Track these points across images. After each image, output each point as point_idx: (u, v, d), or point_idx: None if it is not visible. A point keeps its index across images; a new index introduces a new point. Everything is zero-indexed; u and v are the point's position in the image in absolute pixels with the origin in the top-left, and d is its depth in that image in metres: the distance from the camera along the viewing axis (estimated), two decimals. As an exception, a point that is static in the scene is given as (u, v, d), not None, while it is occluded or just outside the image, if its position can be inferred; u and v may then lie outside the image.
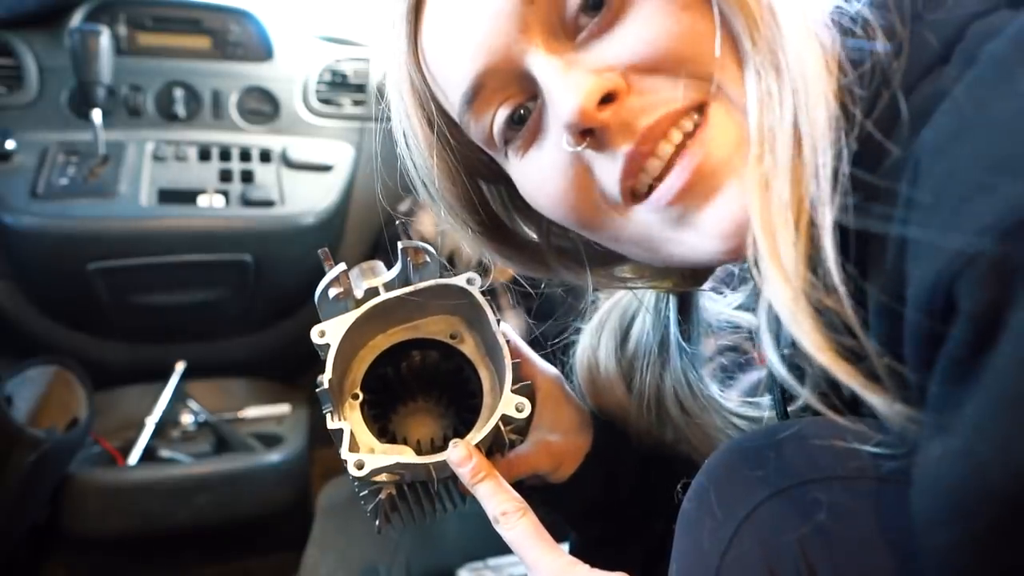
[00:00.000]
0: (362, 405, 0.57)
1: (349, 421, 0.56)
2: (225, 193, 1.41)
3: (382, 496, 0.55)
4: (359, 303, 0.58)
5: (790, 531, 0.40)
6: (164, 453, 1.39)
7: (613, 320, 0.70)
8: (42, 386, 1.22)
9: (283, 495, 1.39)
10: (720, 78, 0.43)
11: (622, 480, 0.65)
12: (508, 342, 0.56)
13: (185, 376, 1.47)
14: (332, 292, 0.57)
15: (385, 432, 0.59)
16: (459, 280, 0.58)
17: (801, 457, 0.42)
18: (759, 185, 0.41)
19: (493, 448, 0.58)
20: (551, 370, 0.66)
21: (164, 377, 1.45)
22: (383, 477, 0.54)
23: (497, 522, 0.52)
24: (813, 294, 0.40)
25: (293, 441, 1.44)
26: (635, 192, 0.48)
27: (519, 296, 1.47)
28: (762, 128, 0.42)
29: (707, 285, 0.63)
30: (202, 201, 1.39)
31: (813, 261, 0.40)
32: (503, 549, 0.63)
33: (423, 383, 0.62)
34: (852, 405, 0.51)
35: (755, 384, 0.65)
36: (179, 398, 1.46)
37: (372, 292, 0.58)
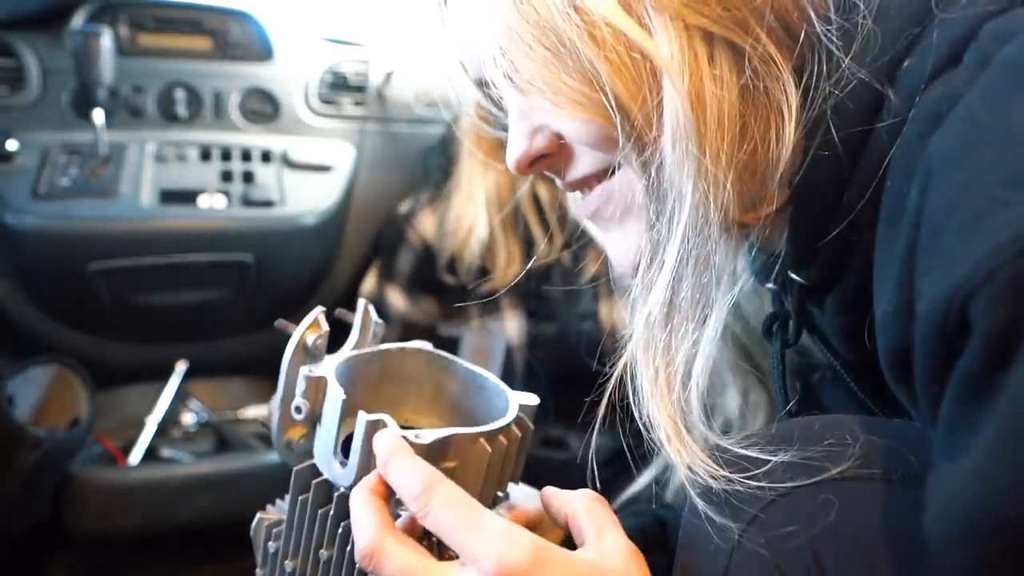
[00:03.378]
0: None
1: None
2: (226, 193, 1.41)
3: None
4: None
5: (800, 531, 0.39)
6: (165, 453, 1.39)
7: None
8: (43, 386, 1.22)
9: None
10: (625, 169, 0.48)
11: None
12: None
13: (186, 376, 1.47)
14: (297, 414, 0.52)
15: None
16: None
17: (811, 456, 0.42)
18: (645, 288, 0.46)
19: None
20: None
21: (165, 377, 1.46)
22: None
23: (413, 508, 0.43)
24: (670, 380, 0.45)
25: (294, 441, 1.44)
26: None
27: (519, 297, 1.46)
28: (652, 240, 0.46)
29: None
30: (203, 201, 1.39)
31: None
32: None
33: None
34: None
35: None
36: (180, 398, 1.46)
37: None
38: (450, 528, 0.41)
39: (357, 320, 0.56)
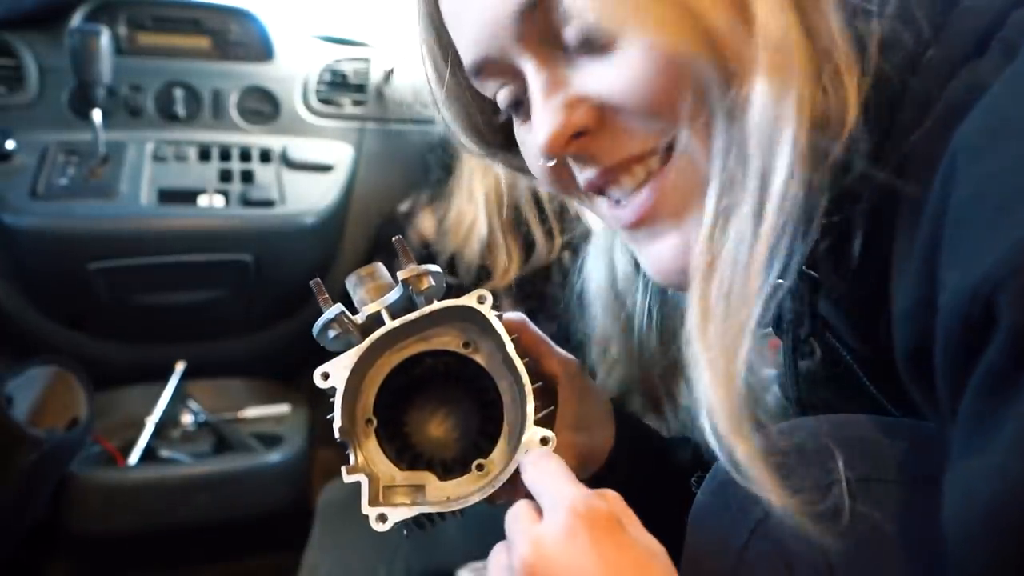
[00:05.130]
0: (376, 431, 0.55)
1: (365, 451, 0.54)
2: (225, 193, 1.41)
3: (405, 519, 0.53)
4: (361, 328, 0.55)
5: (810, 532, 0.39)
6: (164, 453, 1.39)
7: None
8: (42, 386, 1.22)
9: (283, 495, 1.39)
10: (689, 134, 0.43)
11: (644, 473, 0.64)
12: (526, 361, 0.53)
13: (185, 376, 1.47)
14: (331, 333, 0.54)
15: (404, 450, 0.57)
16: (469, 300, 0.55)
17: (821, 456, 0.41)
18: (705, 263, 0.42)
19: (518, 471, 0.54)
20: (571, 359, 0.64)
21: (164, 377, 1.45)
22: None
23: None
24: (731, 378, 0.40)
25: (293, 441, 1.44)
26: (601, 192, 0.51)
27: (520, 297, 1.46)
28: (718, 208, 0.41)
29: None
30: (202, 201, 1.39)
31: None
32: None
33: (439, 386, 0.60)
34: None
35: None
36: (179, 398, 1.46)
37: (374, 319, 0.55)
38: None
39: (401, 266, 0.57)
